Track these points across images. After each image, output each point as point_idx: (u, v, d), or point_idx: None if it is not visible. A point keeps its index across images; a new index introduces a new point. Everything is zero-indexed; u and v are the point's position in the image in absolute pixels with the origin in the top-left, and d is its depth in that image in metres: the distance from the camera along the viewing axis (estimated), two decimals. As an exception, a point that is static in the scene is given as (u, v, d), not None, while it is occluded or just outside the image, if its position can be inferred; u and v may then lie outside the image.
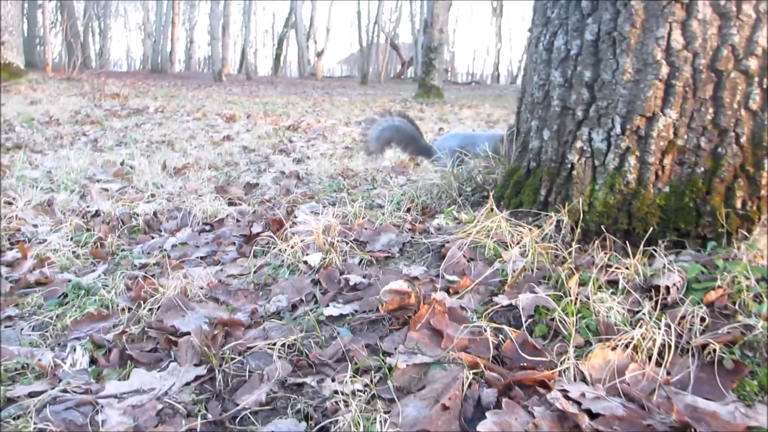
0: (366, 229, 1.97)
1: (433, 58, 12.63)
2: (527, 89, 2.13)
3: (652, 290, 1.44)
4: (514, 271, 1.58)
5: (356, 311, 1.48)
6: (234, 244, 2.04)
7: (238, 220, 2.31)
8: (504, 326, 1.31)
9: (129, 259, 1.95)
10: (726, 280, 1.41)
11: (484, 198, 2.24)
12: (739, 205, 1.69)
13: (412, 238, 1.88)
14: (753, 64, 1.68)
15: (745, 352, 1.24)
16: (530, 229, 1.81)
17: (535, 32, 2.10)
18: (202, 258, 1.95)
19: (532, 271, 1.58)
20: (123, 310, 1.54)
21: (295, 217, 2.19)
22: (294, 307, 1.54)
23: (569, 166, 1.89)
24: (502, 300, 1.44)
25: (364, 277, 1.64)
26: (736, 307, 1.35)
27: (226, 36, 22.59)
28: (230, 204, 2.77)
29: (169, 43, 25.32)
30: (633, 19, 1.74)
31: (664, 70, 1.72)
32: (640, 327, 1.26)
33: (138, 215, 2.43)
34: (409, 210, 2.20)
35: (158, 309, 1.50)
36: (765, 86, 1.68)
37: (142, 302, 1.56)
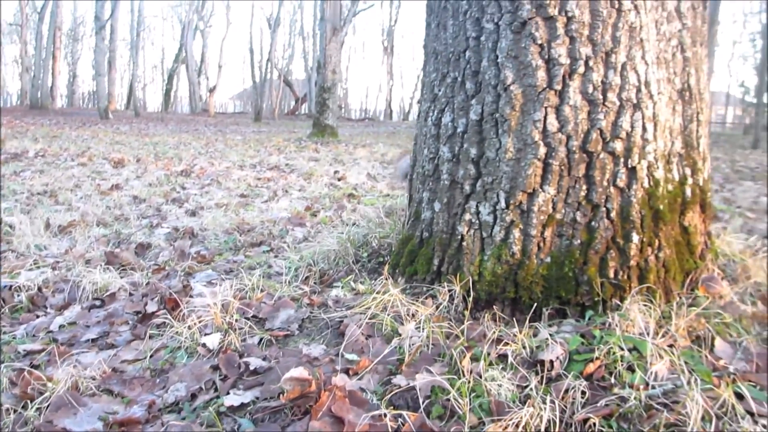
0: (265, 303, 1.98)
1: (327, 98, 12.79)
2: (418, 160, 2.23)
3: (538, 365, 1.54)
4: (411, 346, 1.64)
5: (257, 398, 1.48)
6: (128, 323, 1.98)
7: (131, 294, 2.24)
8: (403, 411, 1.36)
9: (12, 345, 1.85)
10: (603, 351, 1.53)
11: (381, 264, 2.31)
12: (612, 274, 1.84)
13: (311, 313, 1.91)
14: (619, 146, 1.85)
15: (621, 425, 1.35)
16: (425, 302, 1.89)
17: (424, 106, 2.21)
18: (93, 340, 1.88)
19: (428, 347, 1.65)
20: (8, 410, 1.46)
21: (192, 289, 2.16)
22: (193, 396, 1.52)
23: (459, 237, 1.99)
24: (401, 381, 1.49)
25: (264, 359, 1.64)
26: (613, 378, 1.47)
27: (113, 71, 21.83)
28: (122, 270, 2.69)
29: (50, 77, 24.07)
30: (513, 102, 1.88)
31: (542, 150, 1.86)
32: (529, 406, 1.35)
33: (21, 289, 2.31)
34: (307, 279, 2.22)
35: (47, 408, 1.44)
36: (630, 166, 1.86)
37: (29, 401, 1.48)
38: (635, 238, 1.85)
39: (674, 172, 2.00)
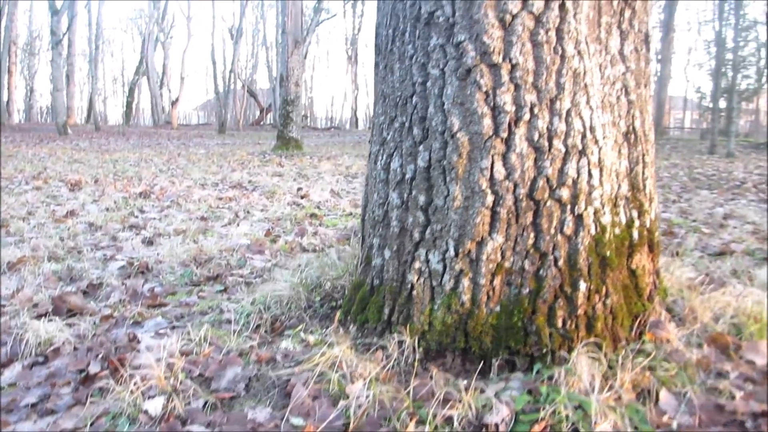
0: (213, 358, 1.93)
1: (291, 111, 12.72)
2: (369, 203, 2.21)
3: (484, 428, 1.52)
4: (358, 408, 1.61)
5: (198, 471, 1.43)
6: (70, 383, 1.91)
7: (76, 348, 2.17)
8: (346, 486, 1.33)
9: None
10: (548, 411, 1.52)
11: (333, 309, 2.27)
12: (560, 324, 1.84)
13: (259, 370, 1.86)
14: (565, 193, 1.85)
15: (566, 492, 1.33)
16: (374, 356, 1.86)
17: (374, 148, 2.19)
18: (33, 405, 1.81)
19: (375, 410, 1.62)
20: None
21: (138, 342, 2.10)
22: (131, 471, 1.47)
23: (409, 286, 1.97)
24: (346, 449, 1.46)
25: (208, 425, 1.60)
26: (559, 440, 1.46)
27: (71, 85, 21.38)
28: (71, 315, 2.61)
29: (6, 92, 23.46)
30: (459, 150, 1.86)
31: (490, 198, 1.85)
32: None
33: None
34: (258, 328, 2.18)
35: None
36: (577, 213, 1.86)
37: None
38: (583, 286, 1.85)
39: (621, 215, 2.00)
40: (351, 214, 5.98)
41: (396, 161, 2.03)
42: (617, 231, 1.98)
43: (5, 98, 23.14)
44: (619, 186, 2.01)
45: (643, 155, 2.08)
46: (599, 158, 1.90)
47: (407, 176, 1.99)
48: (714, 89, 16.95)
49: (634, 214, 2.04)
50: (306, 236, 4.84)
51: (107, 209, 6.04)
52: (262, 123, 29.72)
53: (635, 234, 2.03)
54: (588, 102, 1.88)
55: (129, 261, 3.73)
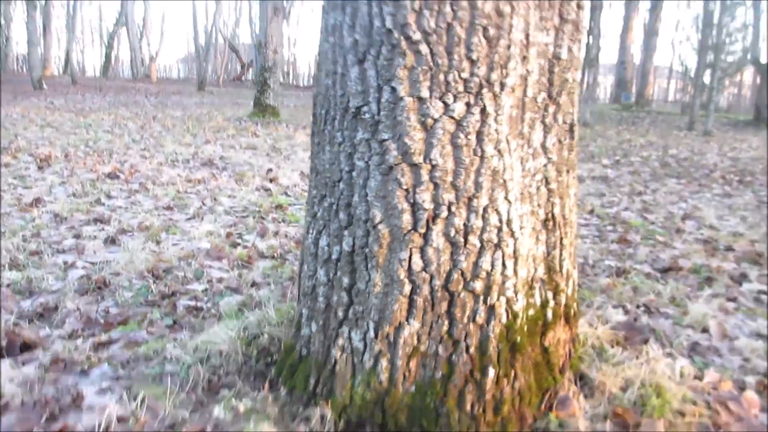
0: (149, 425, 2.05)
1: (268, 78, 12.62)
2: (302, 271, 2.30)
3: None
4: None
5: None
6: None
7: (23, 402, 2.27)
8: None
9: None
10: None
11: (268, 366, 2.40)
12: (468, 408, 1.98)
13: (185, 446, 1.99)
14: (478, 285, 1.96)
15: None
16: (296, 430, 1.99)
17: (306, 220, 2.27)
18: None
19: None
20: None
21: (83, 400, 2.21)
22: None
23: (333, 360, 2.09)
24: None
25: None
26: None
27: (48, 35, 20.82)
28: (23, 350, 2.71)
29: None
30: (380, 240, 1.96)
31: (407, 287, 1.96)
32: None
33: None
34: (195, 386, 2.29)
35: None
36: (489, 303, 1.98)
37: None
38: (491, 372, 1.98)
39: (536, 297, 2.13)
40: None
41: (324, 239, 2.12)
42: (531, 312, 2.11)
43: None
44: (536, 269, 2.12)
45: (561, 239, 2.19)
46: (515, 249, 2.01)
47: (333, 257, 2.09)
48: (697, 66, 17.00)
49: (549, 295, 2.17)
50: (267, 235, 4.94)
51: (74, 194, 6.07)
52: (243, 78, 29.33)
53: (549, 314, 2.16)
54: (506, 197, 1.98)
55: (87, 274, 3.80)
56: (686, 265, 4.53)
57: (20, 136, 9.18)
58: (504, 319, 2.01)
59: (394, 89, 1.88)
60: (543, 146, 2.09)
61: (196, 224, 5.21)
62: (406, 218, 1.93)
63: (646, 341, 2.91)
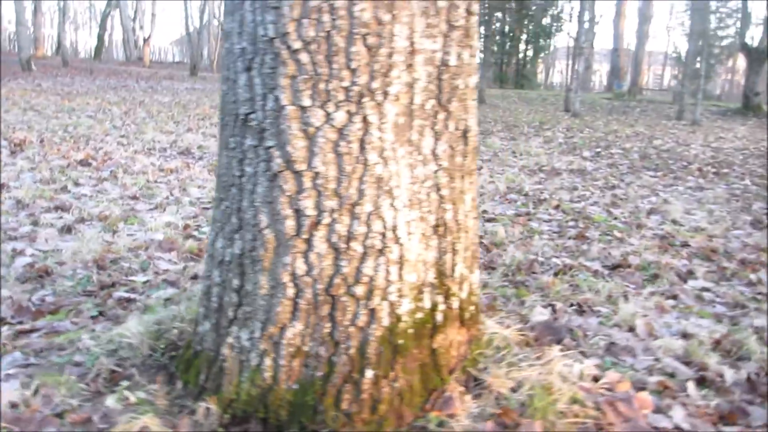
0: (40, 413, 2.12)
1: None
2: (204, 270, 2.37)
3: None
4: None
5: None
6: None
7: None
8: None
9: None
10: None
11: (171, 359, 2.46)
12: (345, 406, 2.04)
13: (72, 433, 2.06)
14: (360, 289, 2.02)
15: None
16: (181, 421, 2.06)
17: (212, 220, 2.33)
18: None
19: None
20: None
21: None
22: None
23: (223, 357, 2.15)
24: None
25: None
26: None
27: (39, 15, 20.82)
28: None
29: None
30: (266, 245, 2.02)
31: (291, 290, 2.02)
32: None
33: None
34: (98, 376, 2.36)
35: None
36: (370, 307, 2.04)
37: None
38: (370, 373, 2.05)
39: (426, 301, 2.19)
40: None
41: (219, 241, 2.18)
42: (420, 315, 2.17)
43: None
44: (426, 274, 2.18)
45: (454, 244, 2.24)
46: (400, 254, 2.07)
47: (226, 258, 2.15)
48: (687, 53, 16.96)
49: (440, 299, 2.23)
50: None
51: (40, 180, 6.13)
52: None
53: (440, 316, 2.22)
54: (392, 204, 2.03)
55: (34, 262, 3.86)
56: (635, 262, 4.56)
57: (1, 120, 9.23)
58: (386, 322, 2.07)
59: (277, 98, 1.93)
60: (433, 153, 2.14)
61: (157, 215, 5.27)
62: (290, 224, 1.99)
63: (560, 341, 2.97)
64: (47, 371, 2.41)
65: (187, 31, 23.86)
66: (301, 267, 2.01)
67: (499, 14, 32.21)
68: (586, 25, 16.63)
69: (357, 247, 2.01)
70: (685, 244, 5.06)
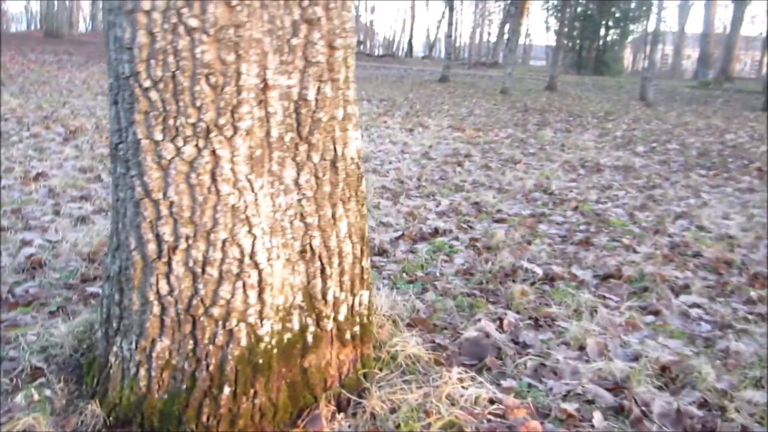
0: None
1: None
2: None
3: None
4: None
5: None
6: None
7: None
8: None
9: None
10: None
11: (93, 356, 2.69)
12: (205, 419, 2.19)
13: (-28, 427, 2.33)
14: (217, 311, 2.16)
15: None
16: (68, 421, 2.28)
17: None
18: None
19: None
20: None
21: None
22: None
23: (110, 365, 2.35)
24: None
25: None
26: None
27: None
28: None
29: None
30: (135, 266, 2.19)
31: (157, 308, 2.18)
32: None
33: None
34: (22, 371, 2.63)
35: None
36: (228, 328, 2.17)
37: None
38: (227, 390, 2.18)
39: (294, 323, 2.29)
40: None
41: (108, 257, 2.37)
42: (289, 336, 2.28)
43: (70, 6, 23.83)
44: (294, 297, 2.28)
45: (323, 269, 2.33)
46: (260, 279, 2.18)
47: (111, 274, 2.33)
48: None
49: (310, 321, 2.32)
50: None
51: (80, 169, 6.59)
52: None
53: (309, 338, 2.32)
54: (250, 230, 2.14)
55: (36, 252, 4.23)
56: (629, 272, 4.37)
57: (68, 105, 9.89)
58: (244, 343, 2.19)
59: (134, 132, 2.07)
60: (296, 183, 2.22)
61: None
62: (152, 248, 2.14)
63: (481, 359, 2.98)
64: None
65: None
66: (164, 287, 2.16)
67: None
68: (675, 8, 15.70)
69: (212, 271, 2.13)
70: (697, 254, 4.74)
